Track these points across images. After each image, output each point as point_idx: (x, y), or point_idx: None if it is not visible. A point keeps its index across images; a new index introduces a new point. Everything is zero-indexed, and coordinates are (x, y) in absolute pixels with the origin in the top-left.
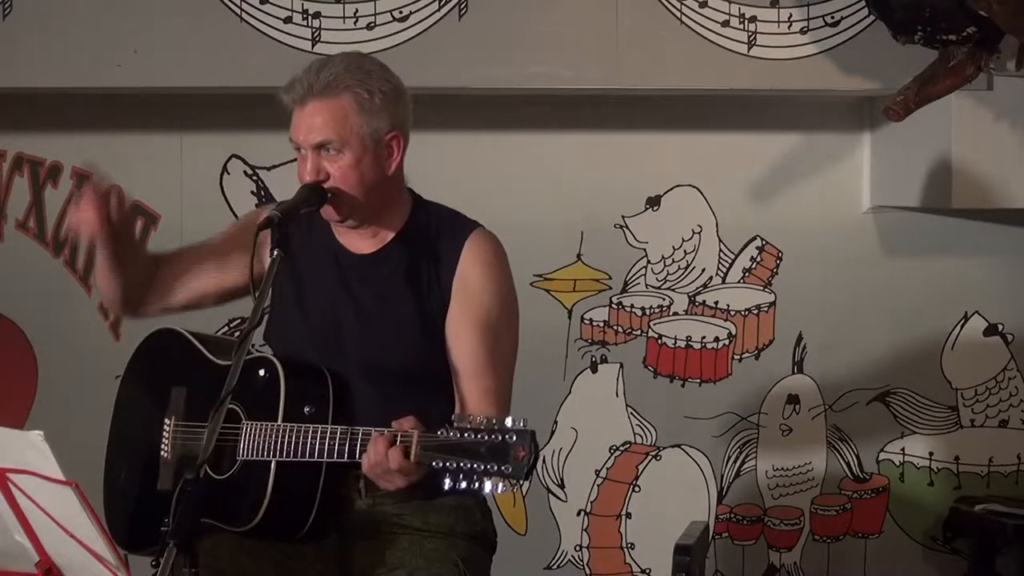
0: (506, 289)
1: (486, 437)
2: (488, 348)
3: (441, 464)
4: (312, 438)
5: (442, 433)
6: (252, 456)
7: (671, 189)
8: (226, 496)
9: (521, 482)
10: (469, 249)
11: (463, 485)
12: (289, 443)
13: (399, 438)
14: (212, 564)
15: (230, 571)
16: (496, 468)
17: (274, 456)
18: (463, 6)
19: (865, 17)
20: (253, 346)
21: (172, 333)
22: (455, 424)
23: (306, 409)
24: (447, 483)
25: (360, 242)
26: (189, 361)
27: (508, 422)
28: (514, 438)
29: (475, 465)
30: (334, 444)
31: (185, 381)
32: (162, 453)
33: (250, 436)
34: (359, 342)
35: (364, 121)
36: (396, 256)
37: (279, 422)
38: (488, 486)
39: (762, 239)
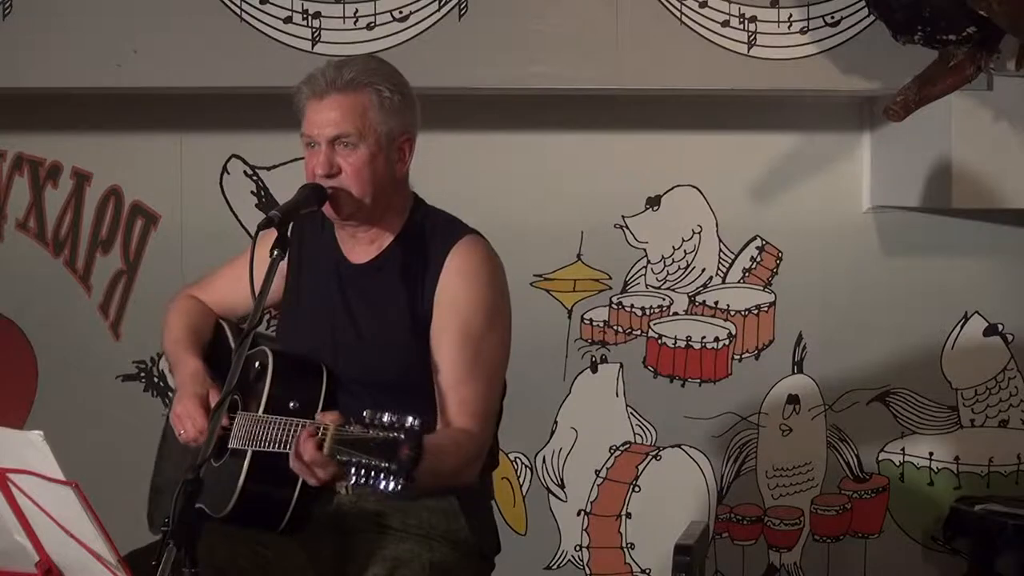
0: (491, 299)
1: (380, 434)
2: (467, 359)
3: (346, 458)
4: (282, 430)
5: (348, 427)
6: (237, 445)
7: (671, 189)
8: (213, 483)
9: (402, 481)
10: (453, 259)
11: (363, 481)
12: (264, 433)
13: (321, 430)
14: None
15: (203, 560)
16: (384, 465)
17: (251, 445)
18: (463, 6)
19: (865, 17)
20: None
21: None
22: (365, 419)
23: (291, 404)
24: (352, 478)
25: (359, 250)
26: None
27: (408, 420)
28: (402, 436)
29: (369, 460)
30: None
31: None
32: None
33: (239, 425)
34: (351, 352)
35: (382, 119)
36: (388, 266)
37: (259, 412)
38: (382, 483)
39: (762, 239)
